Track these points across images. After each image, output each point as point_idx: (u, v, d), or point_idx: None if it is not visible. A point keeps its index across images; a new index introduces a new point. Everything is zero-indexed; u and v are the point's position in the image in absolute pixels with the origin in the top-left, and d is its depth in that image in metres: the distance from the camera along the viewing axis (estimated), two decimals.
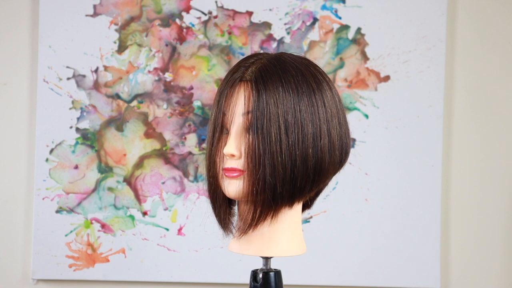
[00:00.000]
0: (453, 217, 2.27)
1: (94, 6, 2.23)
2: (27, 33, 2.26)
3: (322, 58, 2.23)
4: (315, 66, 1.23)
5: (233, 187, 1.20)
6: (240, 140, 1.18)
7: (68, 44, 2.22)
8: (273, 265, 1.28)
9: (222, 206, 1.24)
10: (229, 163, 1.19)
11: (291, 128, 1.16)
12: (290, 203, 1.19)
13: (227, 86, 1.21)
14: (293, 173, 1.16)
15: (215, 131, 1.22)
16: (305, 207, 1.30)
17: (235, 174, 1.19)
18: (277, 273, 1.26)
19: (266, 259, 1.26)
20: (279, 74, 1.18)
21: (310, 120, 1.17)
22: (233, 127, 1.19)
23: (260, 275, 1.25)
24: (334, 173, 1.23)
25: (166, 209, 2.23)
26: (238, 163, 1.19)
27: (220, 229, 1.26)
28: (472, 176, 2.27)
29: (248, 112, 1.17)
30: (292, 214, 1.23)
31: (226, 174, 1.20)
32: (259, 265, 1.28)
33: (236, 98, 1.19)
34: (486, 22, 2.28)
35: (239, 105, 1.18)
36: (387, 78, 2.24)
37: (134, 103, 2.23)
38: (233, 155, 1.18)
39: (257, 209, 1.19)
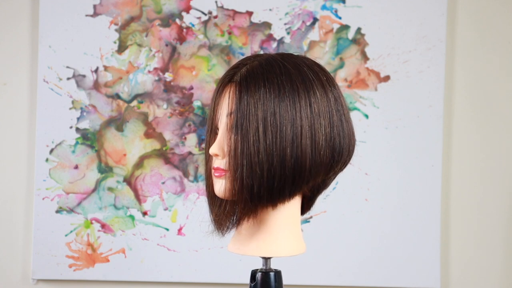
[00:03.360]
0: (453, 217, 2.27)
1: (94, 6, 2.23)
2: (27, 33, 2.26)
3: (322, 58, 2.23)
4: (312, 66, 1.22)
5: (217, 186, 1.22)
6: (224, 140, 1.20)
7: (68, 44, 2.22)
8: (274, 265, 1.28)
9: (212, 204, 1.27)
10: (216, 163, 1.22)
11: (269, 128, 1.15)
12: (270, 203, 1.19)
13: (218, 86, 1.23)
14: (270, 173, 1.15)
15: (208, 131, 1.25)
16: (305, 209, 1.29)
17: (219, 174, 1.21)
18: (277, 273, 1.26)
19: (266, 260, 1.26)
20: (263, 74, 1.18)
21: (290, 120, 1.15)
22: (220, 127, 1.21)
23: (258, 275, 1.25)
24: (328, 174, 1.21)
25: (166, 209, 2.23)
26: (221, 163, 1.20)
27: (212, 226, 1.28)
28: (472, 176, 2.27)
29: (231, 113, 1.19)
30: (289, 213, 1.23)
31: (214, 173, 1.22)
32: (259, 265, 1.28)
33: (223, 98, 1.21)
34: (486, 22, 2.28)
35: (225, 106, 1.20)
36: (387, 78, 2.24)
37: (134, 103, 2.23)
38: (216, 155, 1.21)
39: (237, 208, 1.21)
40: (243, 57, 2.22)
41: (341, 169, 1.24)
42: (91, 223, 2.22)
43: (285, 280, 1.34)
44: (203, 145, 2.23)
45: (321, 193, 1.27)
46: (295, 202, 1.24)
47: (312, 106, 1.17)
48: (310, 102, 1.17)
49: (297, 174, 1.16)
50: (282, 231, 1.23)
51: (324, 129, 1.17)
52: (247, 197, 1.17)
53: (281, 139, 1.15)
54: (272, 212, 1.22)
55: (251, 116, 1.16)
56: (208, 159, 1.25)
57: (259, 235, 1.23)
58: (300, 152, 1.16)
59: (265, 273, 1.25)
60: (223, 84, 1.22)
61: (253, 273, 1.26)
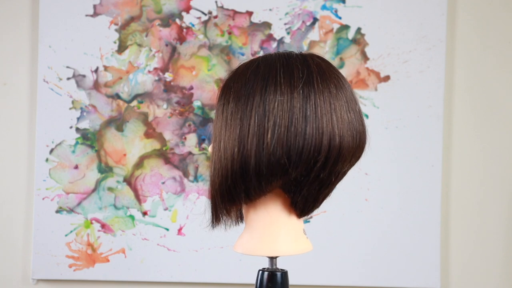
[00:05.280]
0: (453, 217, 2.27)
1: (94, 6, 2.23)
2: (27, 33, 2.26)
3: None
4: (291, 64, 1.18)
5: None
6: None
7: (68, 44, 2.22)
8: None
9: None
10: None
11: (226, 128, 1.17)
12: (235, 201, 1.20)
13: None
14: (225, 171, 1.18)
15: None
16: (298, 211, 1.25)
17: None
18: (284, 274, 1.25)
19: (271, 259, 1.26)
20: (234, 77, 1.20)
21: (241, 119, 1.16)
22: None
23: (264, 275, 1.25)
24: (285, 174, 1.16)
25: (166, 209, 2.23)
26: None
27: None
28: (472, 176, 2.28)
29: None
30: (273, 213, 1.22)
31: None
32: (259, 265, 1.28)
33: None
34: (486, 22, 2.28)
35: None
36: (387, 78, 2.24)
37: (134, 103, 2.23)
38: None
39: (210, 206, 1.24)
40: (243, 57, 2.23)
41: (317, 170, 1.19)
42: (91, 223, 2.22)
43: None
44: (203, 145, 2.24)
45: (304, 195, 1.22)
46: (275, 202, 1.22)
47: (267, 104, 1.15)
48: (265, 100, 1.15)
49: (245, 172, 1.17)
50: (281, 230, 1.22)
51: (277, 128, 1.14)
52: (213, 193, 1.21)
53: (233, 138, 1.16)
54: (255, 212, 1.22)
55: (219, 116, 1.19)
56: None
57: (253, 234, 1.23)
58: (246, 151, 1.15)
59: (272, 273, 1.25)
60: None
61: (260, 273, 1.26)
